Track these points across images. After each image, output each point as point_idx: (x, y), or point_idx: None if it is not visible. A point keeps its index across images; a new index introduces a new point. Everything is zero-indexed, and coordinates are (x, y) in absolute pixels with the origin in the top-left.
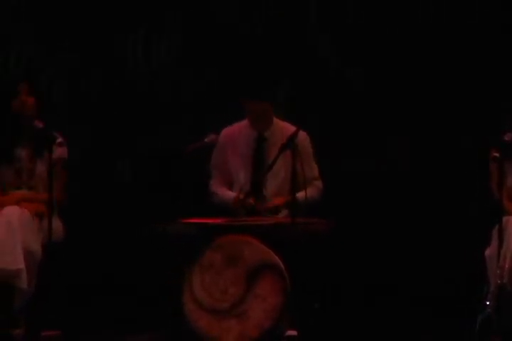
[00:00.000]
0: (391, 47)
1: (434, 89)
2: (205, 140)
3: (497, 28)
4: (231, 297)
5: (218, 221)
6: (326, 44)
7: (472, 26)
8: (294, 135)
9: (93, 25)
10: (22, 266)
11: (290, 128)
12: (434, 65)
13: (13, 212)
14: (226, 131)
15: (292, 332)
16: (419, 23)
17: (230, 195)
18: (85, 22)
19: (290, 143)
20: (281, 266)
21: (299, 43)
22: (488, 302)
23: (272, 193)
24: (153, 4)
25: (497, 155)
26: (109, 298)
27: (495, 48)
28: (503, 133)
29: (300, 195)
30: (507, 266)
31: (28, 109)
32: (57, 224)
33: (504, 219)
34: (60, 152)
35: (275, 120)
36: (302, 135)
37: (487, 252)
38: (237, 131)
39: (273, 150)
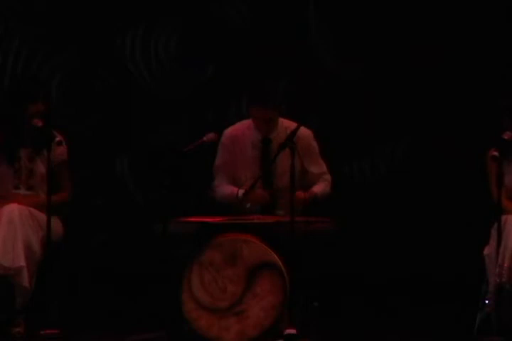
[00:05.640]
0: (391, 48)
1: (433, 90)
2: (204, 139)
3: (495, 30)
4: (230, 295)
5: (218, 219)
6: (325, 45)
7: (471, 27)
8: (293, 134)
9: (92, 24)
10: (23, 263)
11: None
12: (434, 65)
13: (13, 209)
14: (229, 132)
15: (291, 331)
16: (418, 23)
17: (234, 189)
18: (84, 21)
19: (288, 141)
20: (281, 264)
21: (299, 43)
22: (487, 301)
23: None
24: (151, 3)
25: (496, 154)
26: (109, 297)
27: (493, 48)
28: (502, 132)
29: (316, 188)
30: (506, 265)
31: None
32: (56, 223)
33: (503, 218)
34: (59, 152)
35: (280, 120)
36: (306, 132)
37: (486, 251)
38: (241, 133)
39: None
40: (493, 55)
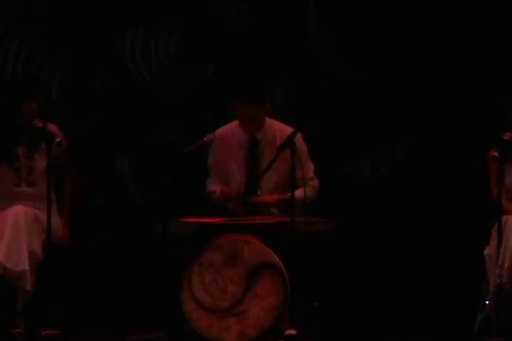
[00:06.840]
0: (391, 48)
1: (433, 90)
2: (204, 139)
3: (495, 30)
4: (231, 296)
5: (218, 220)
6: (325, 45)
7: (471, 27)
8: (293, 135)
9: (92, 24)
10: (27, 267)
11: (282, 128)
12: (434, 65)
13: (19, 211)
14: (221, 132)
15: (292, 331)
16: (418, 23)
17: (227, 189)
18: (84, 21)
19: (288, 143)
20: (281, 265)
21: (299, 43)
22: (487, 302)
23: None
24: (151, 3)
25: (496, 154)
26: (109, 297)
27: (493, 48)
28: (503, 132)
29: (297, 192)
30: (506, 266)
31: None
32: (57, 224)
33: (503, 218)
34: (58, 153)
35: (267, 120)
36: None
37: (486, 251)
38: (231, 133)
39: (265, 152)
40: (493, 55)
